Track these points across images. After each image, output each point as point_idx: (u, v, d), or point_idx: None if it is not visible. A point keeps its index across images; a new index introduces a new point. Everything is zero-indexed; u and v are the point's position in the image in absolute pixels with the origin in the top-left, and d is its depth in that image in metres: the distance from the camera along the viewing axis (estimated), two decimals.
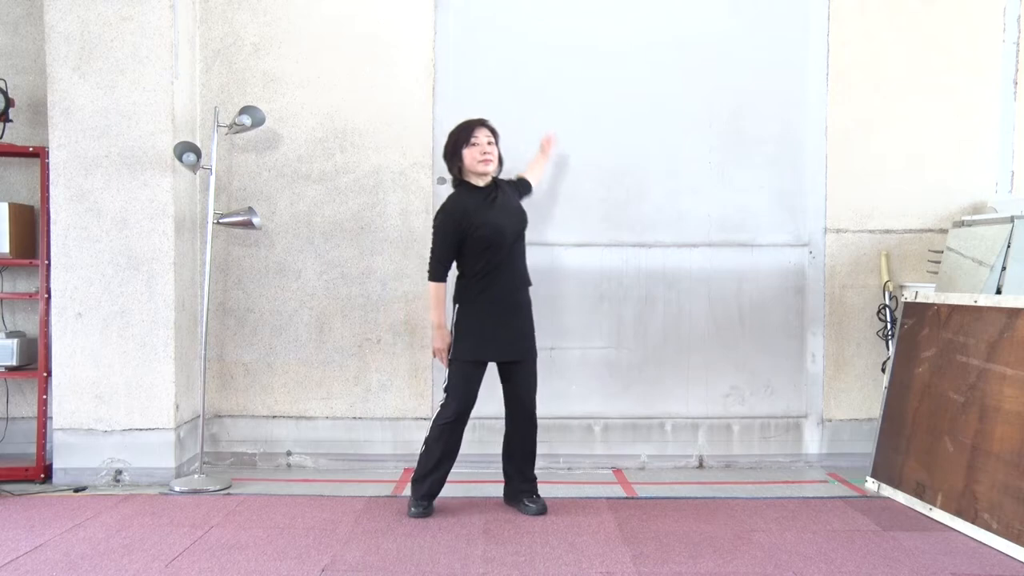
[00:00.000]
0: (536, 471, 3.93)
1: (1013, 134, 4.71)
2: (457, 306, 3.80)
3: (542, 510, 3.79)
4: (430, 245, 3.82)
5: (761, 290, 4.71)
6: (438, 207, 3.85)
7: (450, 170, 3.86)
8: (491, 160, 3.77)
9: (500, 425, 3.99)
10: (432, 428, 3.81)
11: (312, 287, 4.65)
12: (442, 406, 3.78)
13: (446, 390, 3.79)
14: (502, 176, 3.94)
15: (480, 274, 3.74)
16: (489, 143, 3.77)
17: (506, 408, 3.89)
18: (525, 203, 4.05)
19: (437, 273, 3.78)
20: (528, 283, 3.90)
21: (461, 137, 3.78)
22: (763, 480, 4.47)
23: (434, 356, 3.87)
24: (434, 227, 3.81)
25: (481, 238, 3.70)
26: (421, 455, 3.82)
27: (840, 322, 4.71)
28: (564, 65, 4.66)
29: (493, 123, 3.85)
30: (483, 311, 3.75)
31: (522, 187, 4.14)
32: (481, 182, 3.81)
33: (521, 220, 3.88)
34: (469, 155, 3.76)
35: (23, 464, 4.29)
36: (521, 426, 3.84)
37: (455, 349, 3.77)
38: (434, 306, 3.78)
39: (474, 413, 4.29)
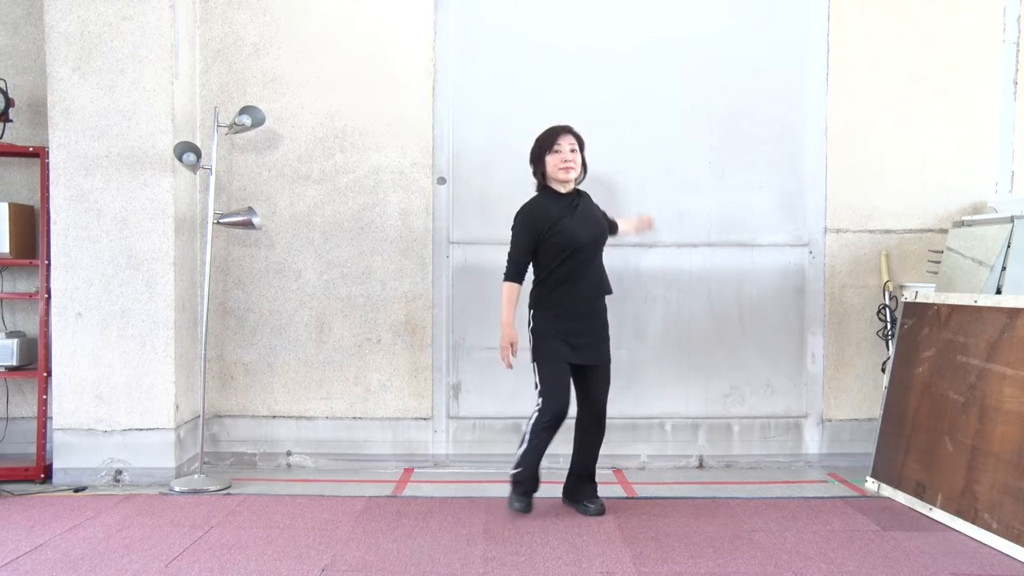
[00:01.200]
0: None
1: (1013, 134, 4.71)
2: (532, 311, 3.80)
3: (600, 511, 3.79)
4: (510, 245, 3.77)
5: (761, 290, 4.71)
6: (521, 207, 3.80)
7: (534, 175, 3.85)
8: (573, 168, 3.77)
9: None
10: (532, 430, 3.72)
11: (312, 287, 4.65)
12: (539, 410, 3.71)
13: (540, 393, 3.73)
14: (585, 182, 3.89)
15: (556, 281, 3.73)
16: (572, 151, 3.77)
17: (578, 409, 3.86)
18: None
19: (511, 274, 3.77)
20: (606, 291, 3.85)
21: (545, 143, 3.78)
22: (763, 480, 4.47)
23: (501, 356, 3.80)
24: (513, 229, 3.79)
25: (557, 244, 3.70)
26: (525, 452, 3.74)
27: (840, 322, 4.71)
28: (564, 65, 4.66)
29: (568, 127, 3.82)
30: (558, 318, 3.73)
31: (610, 224, 4.03)
32: (563, 189, 3.80)
33: (601, 230, 3.85)
34: (551, 162, 3.76)
35: (23, 464, 4.29)
36: (591, 427, 3.83)
37: (537, 350, 3.75)
38: (504, 304, 3.76)
39: (473, 413, 4.29)
